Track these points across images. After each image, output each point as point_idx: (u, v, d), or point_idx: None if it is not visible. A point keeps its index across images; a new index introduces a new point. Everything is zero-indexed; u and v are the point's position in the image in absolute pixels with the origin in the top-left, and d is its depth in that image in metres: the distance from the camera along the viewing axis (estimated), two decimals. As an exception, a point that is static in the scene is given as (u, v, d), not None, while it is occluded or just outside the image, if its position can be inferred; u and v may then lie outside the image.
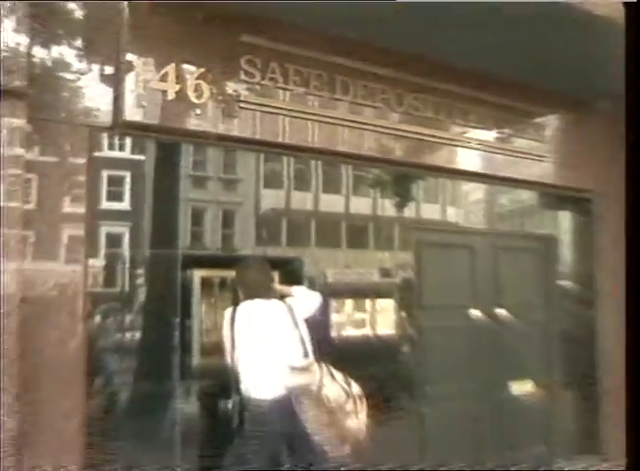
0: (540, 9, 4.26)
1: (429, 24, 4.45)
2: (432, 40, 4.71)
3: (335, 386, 3.74)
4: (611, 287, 6.54)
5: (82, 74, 3.85)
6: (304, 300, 4.17)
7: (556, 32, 4.66)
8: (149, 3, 3.99)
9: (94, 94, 3.87)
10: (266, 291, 4.09)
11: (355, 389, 3.84)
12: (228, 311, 4.06)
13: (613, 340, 6.52)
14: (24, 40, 3.48)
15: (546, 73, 5.39)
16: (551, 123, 6.23)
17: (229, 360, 3.95)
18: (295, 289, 4.31)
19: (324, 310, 4.78)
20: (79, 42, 3.85)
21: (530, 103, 5.94)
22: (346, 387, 3.79)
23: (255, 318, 3.97)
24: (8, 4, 3.42)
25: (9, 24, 3.43)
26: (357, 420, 3.77)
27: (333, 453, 3.80)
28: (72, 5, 3.84)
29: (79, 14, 3.87)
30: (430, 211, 6.40)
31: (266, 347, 3.88)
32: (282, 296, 4.18)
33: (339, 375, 3.85)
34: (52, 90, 3.73)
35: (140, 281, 4.49)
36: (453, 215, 6.31)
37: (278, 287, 4.31)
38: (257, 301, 4.04)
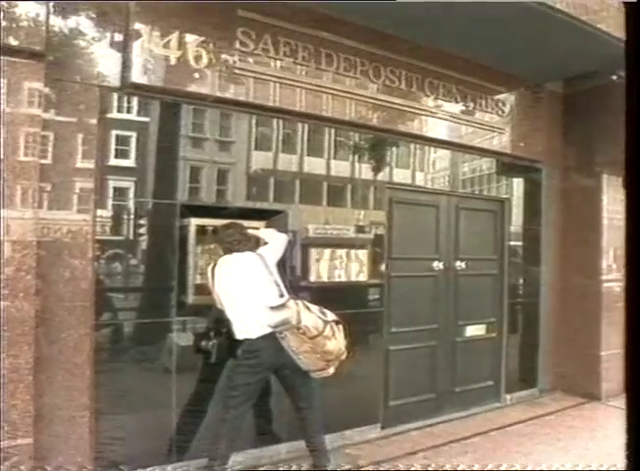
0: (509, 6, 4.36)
1: (405, 8, 4.51)
2: (407, 23, 4.77)
3: (311, 315, 3.83)
4: (552, 243, 6.79)
5: (95, 41, 3.89)
6: (273, 246, 4.21)
7: (516, 23, 4.77)
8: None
9: (106, 59, 3.93)
10: (241, 246, 4.14)
11: (330, 316, 3.93)
12: (209, 266, 4.15)
13: (552, 290, 6.81)
14: (43, 11, 3.50)
15: (506, 57, 5.50)
16: (509, 100, 6.32)
17: (217, 305, 4.04)
18: (263, 231, 4.39)
19: (294, 252, 4.88)
20: (92, 12, 3.87)
21: (492, 82, 6.04)
22: (321, 315, 3.90)
23: (234, 270, 4.04)
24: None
25: None
26: (336, 341, 3.87)
27: (319, 374, 3.94)
28: None
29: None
30: (401, 176, 6.46)
31: (246, 294, 3.93)
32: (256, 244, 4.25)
33: (314, 307, 3.94)
34: (68, 55, 3.77)
35: (143, 230, 4.54)
36: (421, 180, 6.39)
37: (250, 231, 4.34)
38: (234, 255, 4.11)
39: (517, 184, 6.86)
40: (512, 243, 6.68)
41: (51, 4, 3.60)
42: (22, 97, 3.43)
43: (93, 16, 3.86)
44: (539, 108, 6.53)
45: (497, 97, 6.14)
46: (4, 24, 3.34)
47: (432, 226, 5.91)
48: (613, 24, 5.11)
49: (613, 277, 6.65)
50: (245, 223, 4.37)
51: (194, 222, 4.49)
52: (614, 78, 5.93)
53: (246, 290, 3.95)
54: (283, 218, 4.80)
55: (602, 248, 6.62)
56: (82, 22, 3.83)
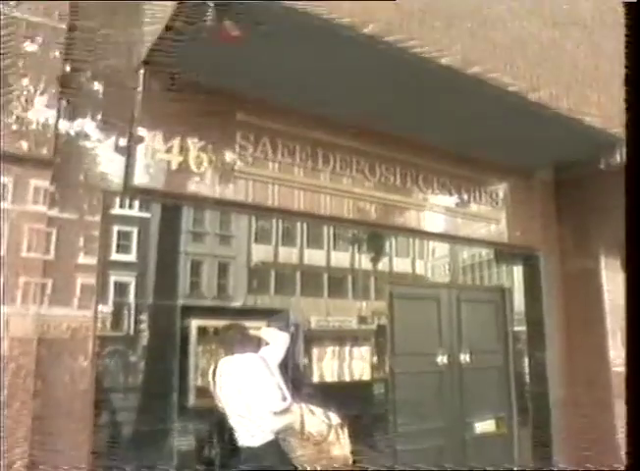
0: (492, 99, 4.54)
1: (397, 106, 4.70)
2: (399, 120, 4.95)
3: (315, 420, 3.74)
4: (556, 327, 6.69)
5: (100, 142, 4.00)
6: (274, 347, 4.15)
7: (503, 116, 4.95)
8: (161, 81, 4.18)
9: (109, 161, 4.02)
10: (242, 347, 4.08)
11: (335, 419, 3.85)
12: (210, 369, 4.08)
13: (559, 377, 6.62)
14: (52, 115, 3.63)
15: (495, 148, 5.66)
16: (502, 190, 6.45)
17: (219, 409, 3.96)
18: (265, 331, 4.33)
19: (298, 350, 4.80)
20: (98, 116, 4.01)
21: (484, 173, 6.19)
22: (325, 419, 3.78)
23: (235, 374, 3.97)
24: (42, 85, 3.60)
25: (41, 100, 3.60)
26: (341, 447, 3.77)
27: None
28: (96, 85, 4.02)
29: (100, 92, 4.04)
30: (402, 265, 6.48)
31: (248, 398, 3.87)
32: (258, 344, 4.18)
33: (318, 410, 3.85)
34: (74, 156, 3.86)
35: (144, 327, 4.48)
36: (421, 268, 6.40)
37: (251, 331, 4.29)
38: (235, 357, 4.05)
39: (517, 271, 6.85)
40: (516, 329, 6.58)
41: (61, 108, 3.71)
42: (27, 194, 3.51)
43: (98, 119, 3.99)
44: (532, 196, 6.64)
45: (490, 188, 6.26)
46: (14, 127, 3.46)
47: (434, 319, 5.85)
48: (595, 115, 5.31)
49: (621, 361, 6.48)
50: (247, 322, 4.31)
51: (195, 323, 4.43)
52: (602, 166, 6.06)
53: (248, 395, 3.85)
54: (284, 315, 4.75)
55: (607, 331, 6.51)
56: (88, 125, 3.96)
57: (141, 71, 4.15)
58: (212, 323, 4.48)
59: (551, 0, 5.35)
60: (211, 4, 3.33)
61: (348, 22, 3.64)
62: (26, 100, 3.57)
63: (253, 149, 4.54)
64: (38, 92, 3.61)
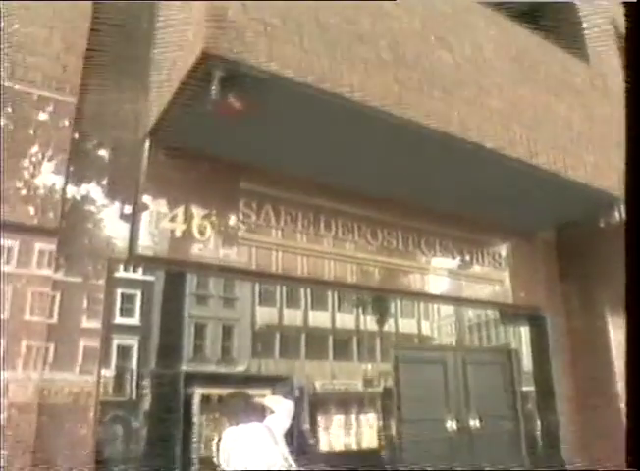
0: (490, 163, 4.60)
1: (397, 172, 4.77)
2: (400, 186, 5.00)
3: None
4: (566, 389, 6.52)
5: (105, 209, 4.05)
6: (280, 416, 4.04)
7: (502, 178, 5.01)
8: (166, 151, 4.27)
9: (114, 228, 4.05)
10: (247, 417, 3.98)
11: None
12: (214, 440, 3.95)
13: (571, 435, 6.40)
14: (59, 181, 3.72)
15: (495, 209, 5.70)
16: (504, 251, 6.44)
17: None
18: (269, 399, 4.23)
19: (303, 417, 4.67)
20: (104, 182, 4.07)
21: (485, 234, 6.20)
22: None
23: (240, 445, 3.86)
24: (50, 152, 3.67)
25: (48, 166, 3.70)
26: None
27: None
28: (102, 152, 4.11)
29: (107, 160, 4.13)
30: (407, 325, 6.40)
31: (253, 469, 3.75)
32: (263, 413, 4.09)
33: None
34: (79, 222, 3.90)
35: (146, 392, 4.38)
36: (427, 328, 6.31)
37: (256, 400, 4.19)
38: (240, 427, 3.95)
39: (524, 331, 6.76)
40: (525, 389, 6.42)
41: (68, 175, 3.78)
42: (32, 258, 3.54)
43: (104, 184, 4.06)
44: (535, 256, 6.63)
45: (492, 249, 6.25)
46: (24, 193, 3.54)
47: (440, 382, 5.73)
48: (593, 175, 5.37)
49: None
50: (251, 390, 4.22)
51: (199, 391, 4.35)
52: (602, 225, 6.07)
53: (254, 466, 3.72)
54: (288, 382, 4.66)
55: (617, 389, 6.34)
56: (94, 192, 4.03)
57: (147, 141, 4.24)
58: (216, 391, 4.39)
59: (544, 67, 5.52)
60: (215, 79, 3.43)
61: (348, 93, 3.74)
62: (35, 166, 3.67)
63: (256, 217, 4.57)
64: (46, 158, 3.72)
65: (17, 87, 3.79)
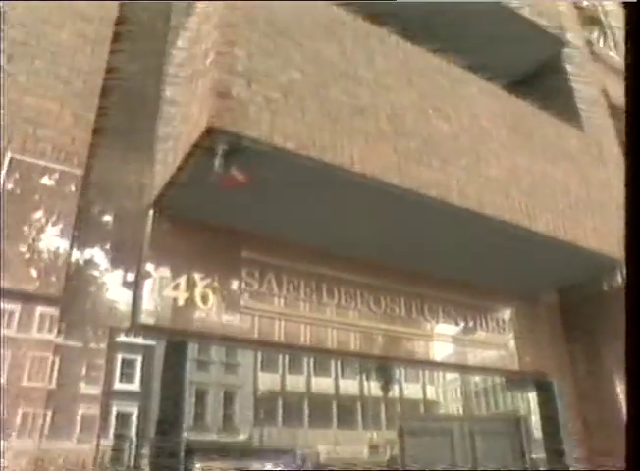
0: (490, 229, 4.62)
1: (398, 239, 4.78)
2: (401, 253, 5.00)
3: None
4: (577, 456, 6.28)
5: (108, 277, 4.02)
6: None
7: (502, 244, 5.01)
8: (169, 220, 4.29)
9: (116, 296, 4.02)
10: None
11: None
12: None
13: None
14: (63, 245, 3.73)
15: (497, 274, 5.67)
16: (508, 316, 6.36)
17: None
18: None
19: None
20: (108, 249, 4.07)
21: (487, 299, 6.14)
22: None
23: None
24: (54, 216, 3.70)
25: (53, 230, 3.72)
26: None
27: None
28: (106, 219, 4.13)
29: (111, 228, 4.14)
30: (412, 390, 6.22)
31: None
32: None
33: None
34: (82, 289, 3.86)
35: (145, 462, 4.22)
36: (432, 393, 6.14)
37: None
38: None
39: (531, 397, 6.58)
40: (534, 457, 6.19)
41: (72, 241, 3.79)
42: (32, 322, 3.51)
43: (108, 249, 4.05)
44: (539, 320, 6.54)
45: (495, 314, 6.18)
46: (28, 256, 3.54)
47: (447, 452, 5.53)
48: (592, 239, 5.38)
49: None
50: (253, 463, 4.08)
51: (199, 466, 4.20)
52: (605, 288, 6.03)
53: None
54: (292, 454, 4.50)
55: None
56: (98, 258, 4.01)
57: (151, 210, 4.28)
58: (217, 465, 4.23)
59: (539, 135, 5.63)
60: (219, 152, 3.50)
61: (349, 165, 3.80)
62: (39, 230, 3.69)
63: (259, 285, 4.55)
64: (51, 223, 3.74)
65: (27, 159, 3.86)
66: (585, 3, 9.57)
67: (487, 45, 6.03)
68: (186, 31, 4.44)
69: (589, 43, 8.38)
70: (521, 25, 6.20)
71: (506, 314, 6.32)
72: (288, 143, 3.56)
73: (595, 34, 9.36)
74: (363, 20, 4.37)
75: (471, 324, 5.91)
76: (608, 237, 5.48)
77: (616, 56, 9.21)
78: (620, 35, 9.67)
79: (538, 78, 6.90)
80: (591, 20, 9.36)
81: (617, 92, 8.11)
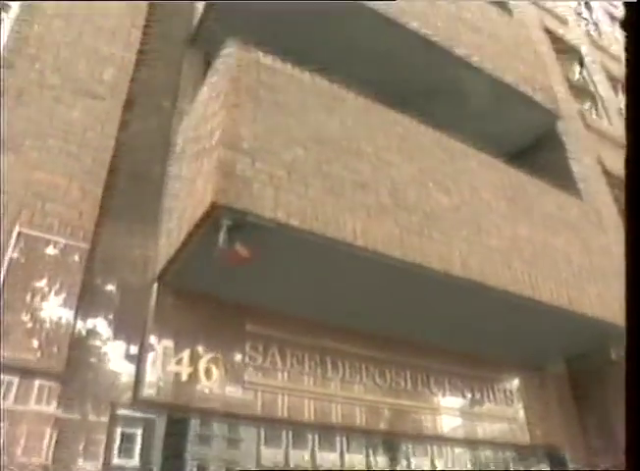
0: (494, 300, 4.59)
1: (402, 312, 4.74)
2: (405, 325, 4.95)
3: None
4: None
5: (111, 347, 3.96)
6: None
7: (506, 314, 4.96)
8: (173, 293, 4.26)
9: (119, 368, 3.94)
10: None
11: None
12: None
13: None
14: (66, 315, 3.71)
15: (502, 344, 5.58)
16: (515, 386, 6.22)
17: None
18: None
19: None
20: (111, 322, 4.02)
21: (494, 370, 6.02)
22: None
23: None
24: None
25: (56, 300, 3.71)
26: None
27: None
28: (110, 292, 4.11)
29: (114, 299, 4.11)
30: (420, 464, 6.00)
31: None
32: None
33: None
34: (82, 359, 3.78)
35: None
36: (442, 467, 5.91)
37: None
38: None
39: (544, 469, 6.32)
40: None
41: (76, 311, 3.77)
42: (31, 394, 3.43)
43: (111, 320, 4.00)
44: (547, 391, 6.39)
45: (502, 385, 6.04)
46: (29, 326, 3.52)
47: None
48: (597, 307, 5.33)
49: None
50: None
51: None
52: (613, 357, 5.91)
53: None
54: None
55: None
56: (101, 329, 3.97)
57: (155, 284, 4.27)
58: None
59: (539, 205, 5.68)
60: (223, 228, 3.53)
61: (351, 239, 3.82)
62: (42, 299, 3.67)
63: (262, 359, 4.47)
64: (54, 292, 3.73)
65: (34, 233, 3.89)
66: (577, 77, 9.93)
67: (484, 119, 6.21)
68: (193, 110, 4.58)
69: (582, 115, 8.63)
70: (516, 99, 6.40)
71: (514, 385, 6.17)
72: (291, 219, 3.60)
73: (587, 105, 9.65)
74: (364, 98, 4.51)
75: (478, 396, 5.76)
76: (612, 305, 5.43)
77: (610, 126, 9.46)
78: (611, 107, 9.97)
79: (535, 149, 7.06)
80: (582, 92, 9.67)
81: (613, 161, 8.29)
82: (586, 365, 6.50)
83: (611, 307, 5.42)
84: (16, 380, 3.41)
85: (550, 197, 5.92)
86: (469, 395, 5.67)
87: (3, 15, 4.81)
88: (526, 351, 5.84)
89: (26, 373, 3.46)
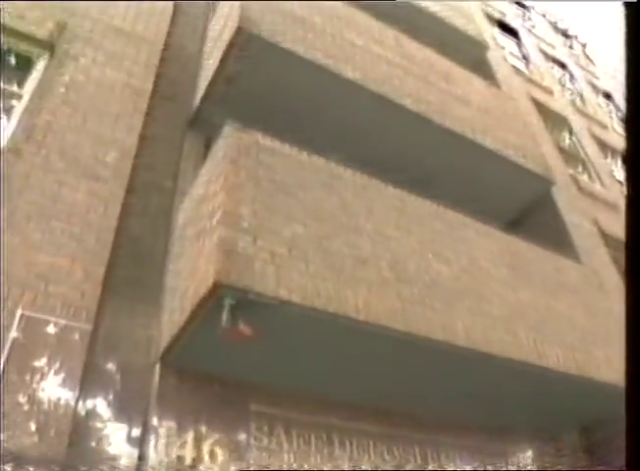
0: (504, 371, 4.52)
1: (409, 386, 4.65)
2: (413, 399, 4.83)
3: None
4: None
5: (112, 429, 3.84)
6: None
7: (515, 383, 4.87)
8: (176, 374, 4.19)
9: (120, 450, 3.81)
10: None
11: None
12: None
13: None
14: (65, 396, 3.64)
15: (513, 415, 5.44)
16: (529, 458, 6.00)
17: None
18: None
19: None
20: (113, 403, 3.91)
21: (505, 443, 5.82)
22: None
23: None
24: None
25: (56, 381, 3.63)
26: None
27: None
28: (111, 367, 4.04)
29: (116, 380, 4.02)
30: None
31: None
32: None
33: None
34: (83, 440, 3.67)
35: None
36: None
37: None
38: None
39: None
40: None
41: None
42: None
43: (111, 399, 3.91)
44: (562, 461, 6.15)
45: (515, 458, 5.84)
46: (26, 408, 3.44)
47: None
48: (607, 371, 5.24)
49: None
50: None
51: None
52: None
53: None
54: None
55: None
56: (102, 410, 3.86)
57: (158, 365, 4.21)
58: None
59: (538, 270, 5.70)
60: (226, 307, 3.52)
61: (354, 314, 3.81)
62: (41, 380, 3.61)
63: (268, 440, 4.34)
64: (54, 373, 3.67)
65: (37, 315, 3.88)
66: (567, 143, 10.21)
67: (479, 189, 6.33)
68: (194, 191, 4.67)
69: (575, 179, 8.80)
70: (509, 168, 6.54)
71: (528, 457, 5.96)
72: (293, 296, 3.61)
73: (579, 169, 9.85)
74: (361, 174, 4.62)
75: (490, 468, 5.56)
76: (621, 368, 5.33)
77: (602, 188, 9.63)
78: (602, 170, 10.18)
79: (530, 215, 7.15)
80: (573, 157, 9.91)
81: (608, 222, 8.38)
82: (602, 434, 6.31)
83: (619, 371, 5.32)
84: (9, 468, 3.31)
85: (549, 262, 5.94)
86: (481, 470, 5.47)
87: (14, 102, 5.00)
88: (539, 420, 5.68)
89: (20, 460, 3.36)
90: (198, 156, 5.48)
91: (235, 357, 4.05)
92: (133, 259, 4.61)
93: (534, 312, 5.20)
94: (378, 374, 4.42)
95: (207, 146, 5.41)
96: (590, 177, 9.82)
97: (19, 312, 3.80)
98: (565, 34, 16.51)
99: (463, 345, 4.31)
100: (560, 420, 5.88)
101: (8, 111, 4.93)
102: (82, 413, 3.79)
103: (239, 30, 5.18)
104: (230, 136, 4.27)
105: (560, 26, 16.78)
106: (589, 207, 8.45)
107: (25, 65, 5.27)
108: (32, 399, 3.53)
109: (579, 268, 6.53)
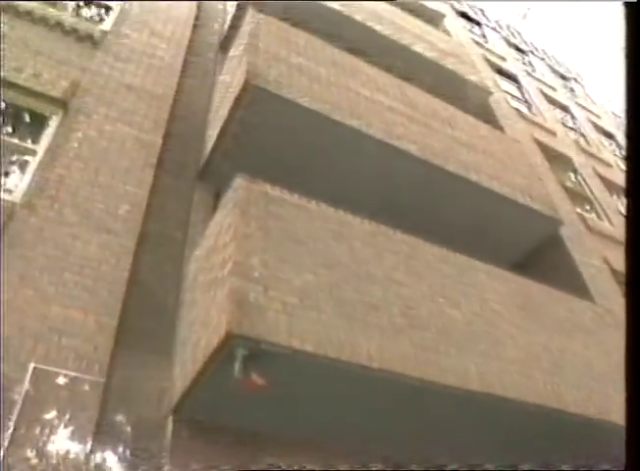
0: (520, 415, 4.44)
1: (423, 432, 4.55)
2: (427, 443, 4.71)
3: None
4: None
5: None
6: None
7: (533, 427, 4.75)
8: (189, 426, 4.12)
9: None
10: None
11: None
12: None
13: None
14: (76, 449, 3.58)
15: (535, 460, 5.27)
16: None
17: None
18: None
19: None
20: (125, 456, 3.84)
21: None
22: None
23: None
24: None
25: (66, 434, 3.59)
26: None
27: None
28: (123, 420, 3.98)
29: (129, 430, 3.96)
30: None
31: None
32: None
33: None
34: None
35: None
36: None
37: None
38: None
39: None
40: None
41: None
42: None
43: (125, 459, 3.85)
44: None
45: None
46: (34, 461, 3.42)
47: None
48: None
49: None
50: None
51: None
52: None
53: None
54: None
55: None
56: (113, 462, 3.79)
57: (170, 417, 4.16)
58: None
59: (551, 311, 5.63)
60: (239, 358, 3.50)
61: (366, 361, 3.78)
62: (50, 432, 3.57)
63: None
64: (64, 426, 3.62)
65: (49, 368, 3.86)
66: (572, 181, 10.26)
67: (487, 232, 6.34)
68: (204, 241, 4.71)
69: (582, 218, 8.80)
70: (516, 210, 6.56)
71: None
72: (305, 345, 3.59)
73: (586, 208, 9.87)
74: (370, 222, 4.65)
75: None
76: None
77: (610, 226, 9.61)
78: (609, 208, 10.19)
79: (540, 256, 7.12)
80: (579, 196, 9.94)
81: (619, 260, 8.31)
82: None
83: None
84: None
85: (561, 302, 5.89)
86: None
87: (28, 158, 5.12)
88: (552, 466, 5.51)
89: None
90: (208, 207, 5.55)
91: (248, 408, 4.00)
92: (145, 310, 4.61)
93: (549, 354, 5.12)
94: (392, 421, 4.34)
95: (217, 197, 5.49)
96: (598, 215, 9.83)
97: (31, 365, 3.80)
98: (564, 77, 16.83)
99: (477, 390, 4.24)
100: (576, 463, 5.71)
101: (22, 166, 5.06)
102: (92, 467, 3.74)
103: (245, 84, 5.33)
104: (239, 188, 4.33)
105: (559, 69, 17.14)
106: (598, 245, 8.42)
107: (39, 121, 5.43)
108: (41, 453, 3.48)
109: (592, 307, 6.46)
